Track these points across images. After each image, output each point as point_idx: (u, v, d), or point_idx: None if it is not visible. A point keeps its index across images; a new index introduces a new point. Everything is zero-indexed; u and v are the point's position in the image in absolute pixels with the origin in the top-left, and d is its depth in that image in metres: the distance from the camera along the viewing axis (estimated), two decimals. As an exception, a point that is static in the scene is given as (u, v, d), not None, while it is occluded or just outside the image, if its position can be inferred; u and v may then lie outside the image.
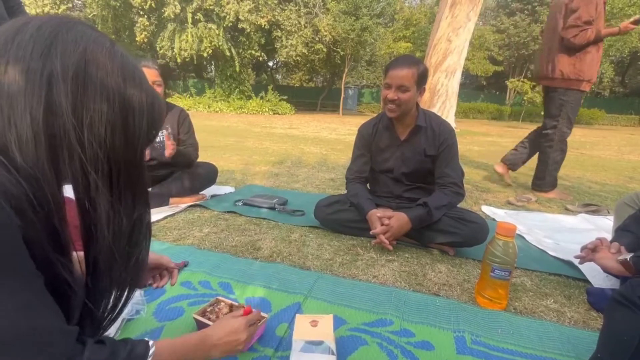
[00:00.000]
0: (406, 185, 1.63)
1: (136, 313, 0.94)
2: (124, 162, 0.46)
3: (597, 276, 1.29)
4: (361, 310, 1.04)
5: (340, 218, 1.63)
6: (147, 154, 1.84)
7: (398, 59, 1.47)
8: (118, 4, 13.67)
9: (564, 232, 1.87)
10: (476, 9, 7.96)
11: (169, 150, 1.79)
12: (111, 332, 0.83)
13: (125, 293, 0.53)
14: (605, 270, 1.09)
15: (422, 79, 1.44)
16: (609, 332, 0.76)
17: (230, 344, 0.70)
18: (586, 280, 1.30)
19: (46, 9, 14.16)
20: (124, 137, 0.45)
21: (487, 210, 2.20)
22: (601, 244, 1.11)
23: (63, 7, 15.34)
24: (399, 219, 1.41)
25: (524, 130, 11.08)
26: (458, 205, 1.55)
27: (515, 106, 19.44)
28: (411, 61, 1.43)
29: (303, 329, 0.84)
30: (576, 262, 1.22)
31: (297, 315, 0.91)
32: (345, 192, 1.68)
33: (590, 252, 1.11)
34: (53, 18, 0.42)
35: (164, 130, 1.93)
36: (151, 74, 1.69)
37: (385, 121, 1.60)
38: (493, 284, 1.08)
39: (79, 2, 17.81)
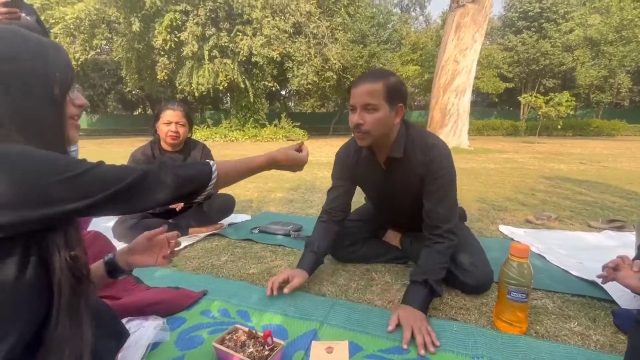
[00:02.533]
0: (408, 209, 1.41)
1: (162, 339, 0.98)
2: (28, 111, 0.54)
3: (623, 296, 1.24)
4: (377, 337, 1.04)
5: (358, 256, 1.61)
6: None
7: (362, 74, 1.19)
8: (141, 47, 14.75)
9: (588, 250, 1.80)
10: (481, 30, 8.13)
11: (179, 205, 1.96)
12: (137, 358, 0.87)
13: None
14: (630, 289, 1.06)
15: (394, 93, 1.14)
16: (634, 355, 0.73)
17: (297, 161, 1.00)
18: (612, 301, 1.25)
19: (77, 55, 15.45)
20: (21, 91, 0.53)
21: (505, 229, 2.14)
22: (623, 262, 1.08)
23: (92, 52, 16.68)
24: (407, 316, 1.07)
25: (541, 145, 10.88)
26: (466, 224, 1.51)
27: (530, 121, 19.13)
28: (377, 74, 1.15)
29: (319, 356, 0.86)
30: (600, 281, 1.18)
31: (313, 342, 0.93)
32: (356, 224, 1.62)
33: (612, 270, 1.09)
34: None
35: None
36: (176, 115, 1.92)
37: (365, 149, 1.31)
38: (511, 307, 1.06)
39: (107, 47, 19.30)
